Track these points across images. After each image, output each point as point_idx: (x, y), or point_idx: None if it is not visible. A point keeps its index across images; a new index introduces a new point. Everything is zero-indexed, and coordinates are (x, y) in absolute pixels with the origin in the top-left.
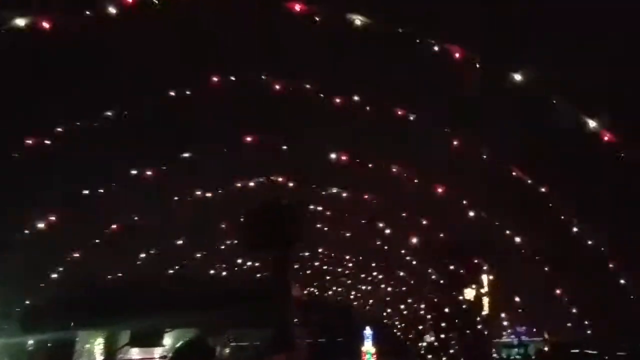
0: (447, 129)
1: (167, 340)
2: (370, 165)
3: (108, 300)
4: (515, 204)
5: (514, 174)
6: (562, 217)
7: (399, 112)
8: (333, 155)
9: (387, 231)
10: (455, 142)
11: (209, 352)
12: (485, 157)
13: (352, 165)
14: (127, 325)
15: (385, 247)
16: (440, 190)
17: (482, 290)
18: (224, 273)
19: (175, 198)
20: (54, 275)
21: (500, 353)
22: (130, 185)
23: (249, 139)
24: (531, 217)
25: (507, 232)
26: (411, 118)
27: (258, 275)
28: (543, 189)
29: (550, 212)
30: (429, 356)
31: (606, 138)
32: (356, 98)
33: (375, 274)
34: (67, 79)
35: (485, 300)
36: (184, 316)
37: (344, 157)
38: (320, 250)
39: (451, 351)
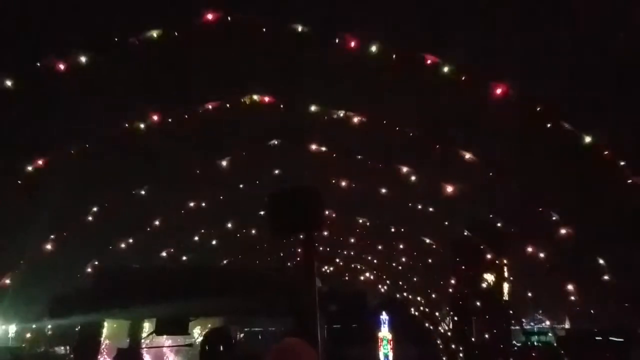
0: None
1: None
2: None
3: (133, 288)
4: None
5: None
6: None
7: None
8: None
9: (413, 178)
10: None
11: (231, 339)
12: None
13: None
14: (152, 313)
15: (409, 204)
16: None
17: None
18: (246, 260)
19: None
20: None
21: (520, 340)
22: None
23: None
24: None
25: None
26: None
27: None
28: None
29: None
30: (453, 346)
31: None
32: None
33: (394, 243)
34: None
35: (506, 287)
36: (205, 305)
37: (352, 44)
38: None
39: (486, 335)
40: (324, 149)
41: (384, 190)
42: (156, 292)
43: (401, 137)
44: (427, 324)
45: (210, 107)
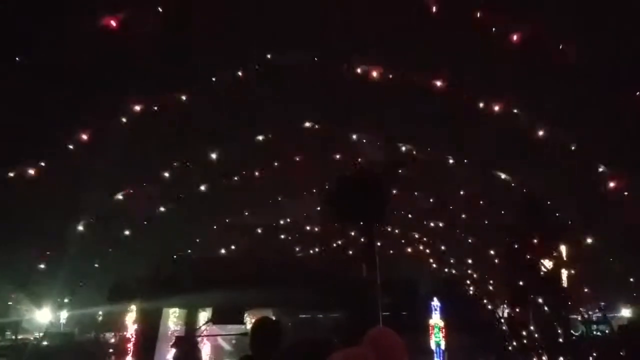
0: None
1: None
2: None
3: (192, 278)
4: None
5: None
6: None
7: None
8: None
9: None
10: None
11: (279, 327)
12: None
13: None
14: (209, 302)
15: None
16: None
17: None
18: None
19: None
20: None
21: (578, 330)
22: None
23: None
24: None
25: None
26: None
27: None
28: None
29: None
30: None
31: None
32: None
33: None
34: None
35: (564, 273)
36: (264, 295)
37: None
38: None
39: (536, 327)
40: None
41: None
42: (213, 282)
43: None
44: (489, 306)
45: None
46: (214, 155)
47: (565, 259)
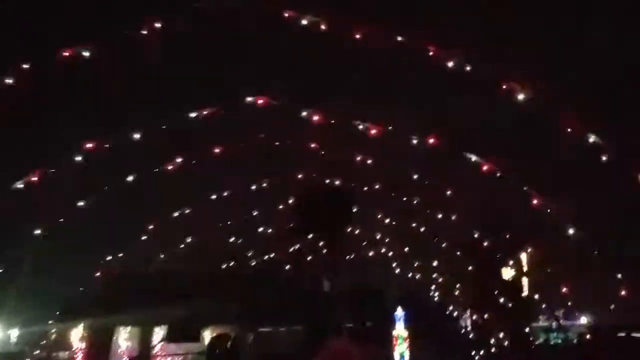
0: None
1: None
2: None
3: (143, 294)
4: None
5: None
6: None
7: None
8: None
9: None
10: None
11: (235, 343)
12: None
13: None
14: (163, 319)
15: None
16: None
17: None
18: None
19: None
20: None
21: (538, 338)
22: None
23: None
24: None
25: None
26: None
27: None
28: None
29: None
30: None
31: None
32: None
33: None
34: None
35: (525, 281)
36: (219, 310)
37: None
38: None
39: (501, 335)
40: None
41: None
42: (166, 299)
43: None
44: (455, 313)
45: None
46: (137, 136)
47: (526, 266)
